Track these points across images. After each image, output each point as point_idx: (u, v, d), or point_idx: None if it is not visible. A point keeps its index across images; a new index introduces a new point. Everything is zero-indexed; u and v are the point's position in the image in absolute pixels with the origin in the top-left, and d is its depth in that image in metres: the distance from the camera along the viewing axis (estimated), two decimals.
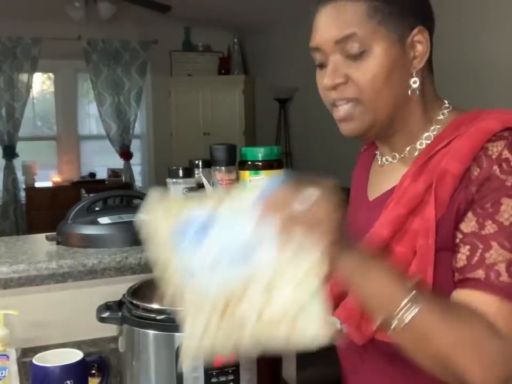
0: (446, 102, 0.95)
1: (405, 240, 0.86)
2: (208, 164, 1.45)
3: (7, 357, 1.16)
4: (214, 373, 1.05)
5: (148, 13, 5.84)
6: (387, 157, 0.98)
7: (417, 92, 0.91)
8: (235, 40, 6.76)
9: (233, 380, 1.06)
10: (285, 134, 6.21)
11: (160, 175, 5.67)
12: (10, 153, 6.27)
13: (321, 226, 0.73)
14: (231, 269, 0.75)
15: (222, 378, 1.05)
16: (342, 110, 0.90)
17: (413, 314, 0.74)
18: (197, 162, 1.46)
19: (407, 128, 0.93)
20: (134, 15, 6.16)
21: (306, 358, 1.63)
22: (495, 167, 0.81)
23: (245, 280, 0.75)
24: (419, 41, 0.90)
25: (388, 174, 0.97)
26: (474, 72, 3.78)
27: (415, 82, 0.90)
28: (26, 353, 1.23)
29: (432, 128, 0.93)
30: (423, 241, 0.83)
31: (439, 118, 0.93)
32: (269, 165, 1.39)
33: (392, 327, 0.75)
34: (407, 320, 0.74)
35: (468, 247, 0.80)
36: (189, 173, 1.40)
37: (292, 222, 0.73)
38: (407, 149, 0.94)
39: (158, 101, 6.85)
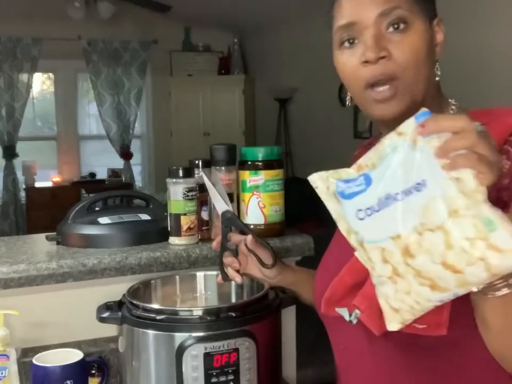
0: (451, 100, 0.94)
1: None
2: (208, 164, 1.45)
3: (7, 357, 1.16)
4: (214, 373, 1.04)
5: (148, 13, 5.85)
6: None
7: (438, 81, 0.90)
8: (235, 40, 6.76)
9: (233, 379, 1.06)
10: (285, 134, 6.20)
11: (160, 175, 5.67)
12: (10, 153, 6.27)
13: (487, 164, 0.66)
14: (405, 204, 0.68)
15: (222, 378, 1.05)
16: (382, 89, 0.87)
17: None
18: (197, 162, 1.46)
19: None
20: (134, 15, 6.17)
21: (306, 358, 1.63)
22: None
23: (415, 221, 0.67)
24: (438, 32, 0.90)
25: None
26: (474, 71, 3.77)
27: (437, 69, 0.90)
28: (26, 353, 1.23)
29: None
30: None
31: (451, 113, 0.92)
32: (268, 165, 1.38)
33: (493, 293, 0.72)
34: (506, 291, 0.71)
35: None
36: (189, 173, 1.40)
37: (462, 154, 0.65)
38: None
39: (158, 101, 6.85)
